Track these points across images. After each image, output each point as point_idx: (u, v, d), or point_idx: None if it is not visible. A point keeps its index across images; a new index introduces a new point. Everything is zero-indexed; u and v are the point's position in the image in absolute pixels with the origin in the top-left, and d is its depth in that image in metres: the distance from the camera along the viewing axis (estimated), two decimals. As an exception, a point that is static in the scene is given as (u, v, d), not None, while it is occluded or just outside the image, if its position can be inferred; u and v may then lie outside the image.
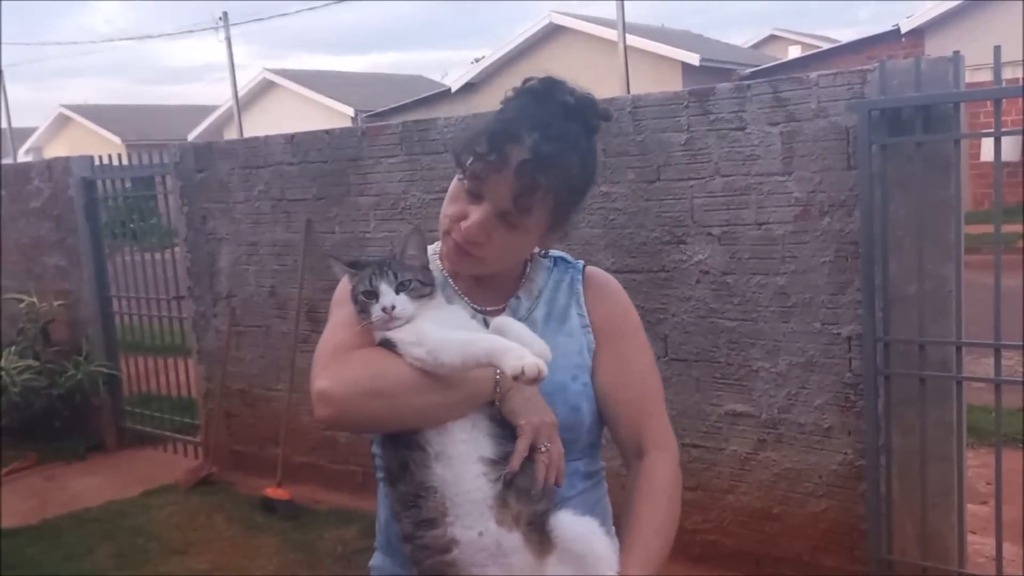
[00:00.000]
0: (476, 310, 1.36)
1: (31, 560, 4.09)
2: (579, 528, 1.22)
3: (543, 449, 1.22)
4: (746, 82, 3.26)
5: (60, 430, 5.70)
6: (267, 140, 4.76)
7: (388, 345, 1.23)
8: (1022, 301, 3.75)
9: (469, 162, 1.27)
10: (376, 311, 1.23)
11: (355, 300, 1.27)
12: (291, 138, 4.63)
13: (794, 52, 20.34)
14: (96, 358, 5.70)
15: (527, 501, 1.20)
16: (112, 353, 5.87)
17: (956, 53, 2.87)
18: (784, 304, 3.21)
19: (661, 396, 1.43)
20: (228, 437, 5.19)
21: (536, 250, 1.41)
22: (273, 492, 4.50)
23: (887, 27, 16.02)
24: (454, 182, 1.31)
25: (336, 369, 1.22)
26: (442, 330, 1.22)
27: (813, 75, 3.12)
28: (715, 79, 15.11)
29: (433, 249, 1.42)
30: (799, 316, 3.19)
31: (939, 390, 2.94)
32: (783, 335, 3.23)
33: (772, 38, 26.44)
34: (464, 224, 1.27)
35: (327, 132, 4.56)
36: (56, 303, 5.77)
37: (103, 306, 5.84)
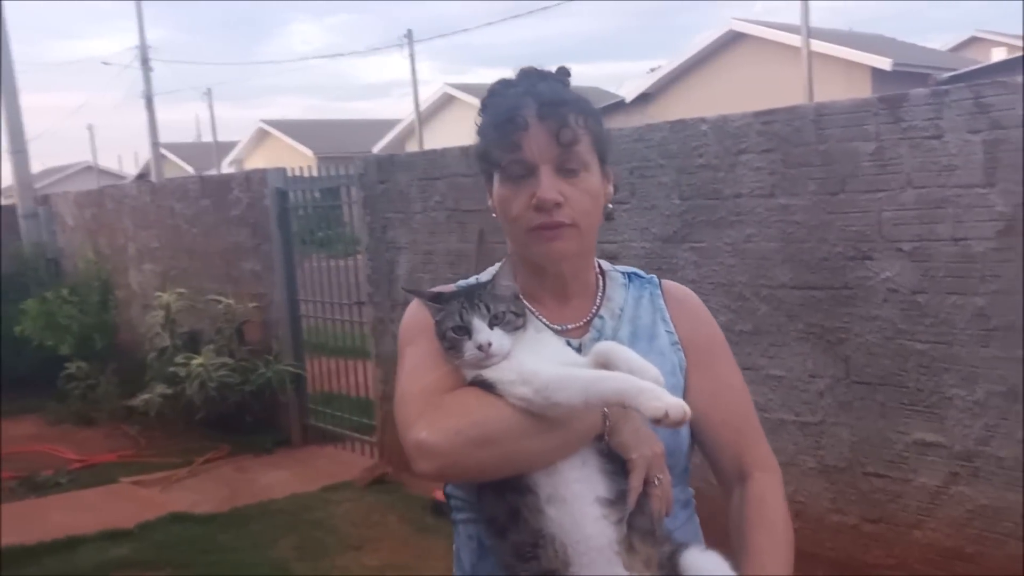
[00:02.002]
0: (555, 330, 1.28)
1: (223, 546, 4.40)
2: (710, 566, 1.14)
3: (656, 482, 1.15)
4: (943, 87, 3.04)
5: (250, 424, 6.11)
6: (444, 152, 4.91)
7: (483, 385, 1.13)
8: None
9: (497, 153, 1.24)
10: (469, 349, 1.13)
11: (442, 337, 1.17)
12: (466, 150, 4.75)
13: (998, 55, 18.84)
14: (284, 358, 6.08)
15: (653, 543, 1.13)
16: (299, 353, 6.24)
17: None
18: (984, 327, 2.96)
19: (756, 414, 1.36)
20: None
21: (606, 208, 1.31)
22: (443, 495, 4.60)
23: (1110, 24, 14.55)
24: (496, 188, 1.27)
25: (433, 417, 1.11)
26: (549, 366, 1.12)
27: (1020, 79, 2.87)
28: (908, 85, 14.22)
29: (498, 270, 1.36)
30: (1001, 341, 2.93)
31: None
32: (981, 361, 2.98)
33: (973, 40, 24.65)
34: (536, 198, 1.20)
35: (502, 144, 4.63)
36: (251, 305, 6.20)
37: (292, 309, 6.22)
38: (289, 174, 6.16)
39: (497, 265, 1.32)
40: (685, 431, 1.28)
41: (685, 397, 1.27)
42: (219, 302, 6.21)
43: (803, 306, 3.36)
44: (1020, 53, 16.39)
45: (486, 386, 1.13)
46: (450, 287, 1.31)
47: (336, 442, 6.03)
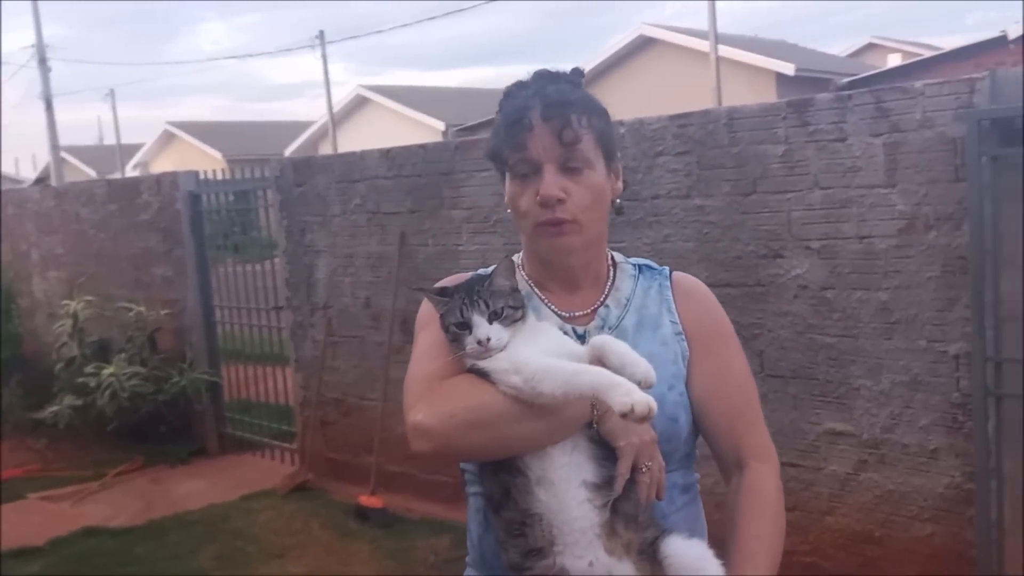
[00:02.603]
0: (563, 318, 1.34)
1: (139, 559, 4.27)
2: (690, 553, 1.18)
3: (644, 469, 1.20)
4: (846, 92, 3.19)
5: (165, 434, 5.94)
6: (363, 155, 4.88)
7: (481, 373, 1.20)
8: None
9: (506, 152, 1.29)
10: (470, 343, 1.20)
11: (446, 330, 1.24)
12: (386, 152, 4.74)
13: (894, 60, 19.71)
14: (199, 365, 5.94)
15: (635, 528, 1.18)
16: (214, 361, 6.09)
17: (1074, 59, 2.75)
18: (887, 320, 3.11)
19: (758, 404, 1.39)
20: (323, 445, 5.31)
21: (613, 203, 1.37)
22: (367, 500, 4.59)
23: (995, 33, 15.37)
24: (508, 187, 1.32)
25: (430, 401, 1.20)
26: (540, 357, 1.18)
27: (918, 84, 3.03)
28: (811, 89, 14.75)
29: (515, 260, 1.41)
30: (903, 333, 3.09)
31: (1055, 412, 2.81)
32: (886, 352, 3.13)
33: (871, 46, 25.70)
34: (540, 195, 1.26)
35: (421, 147, 4.65)
36: (163, 312, 6.02)
37: (206, 315, 6.07)
38: (202, 177, 6.02)
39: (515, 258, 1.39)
40: (683, 418, 1.32)
41: (688, 385, 1.34)
42: (130, 309, 6.01)
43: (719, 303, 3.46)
44: (915, 59, 17.20)
45: (483, 374, 1.20)
46: (464, 276, 1.36)
47: (255, 450, 5.92)
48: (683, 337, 1.36)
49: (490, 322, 1.20)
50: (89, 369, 5.79)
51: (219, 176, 5.98)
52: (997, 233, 2.83)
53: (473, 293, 1.22)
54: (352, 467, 5.09)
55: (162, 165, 27.53)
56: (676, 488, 1.32)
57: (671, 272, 1.43)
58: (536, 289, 1.37)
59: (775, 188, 3.30)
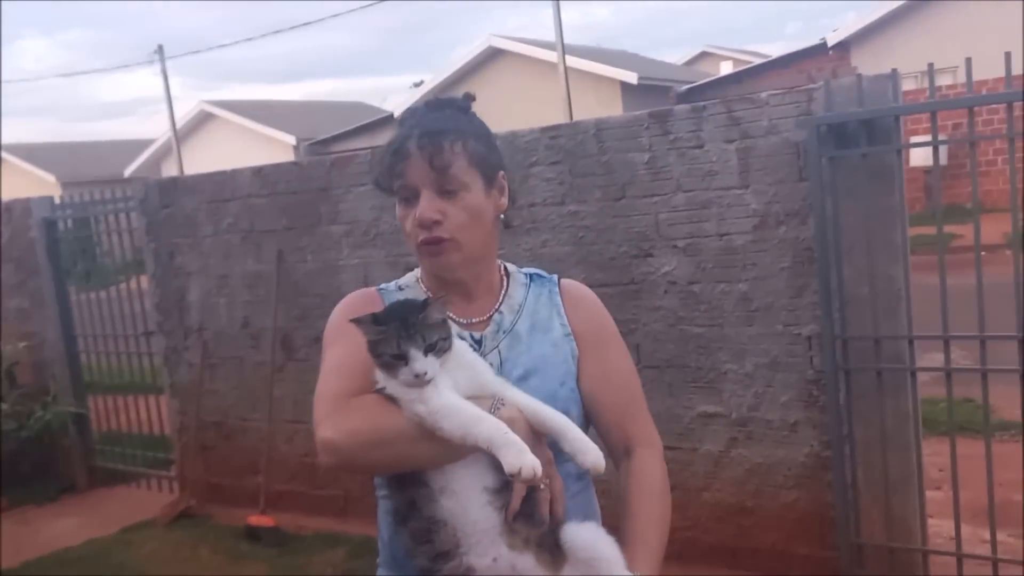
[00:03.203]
0: (461, 324, 1.44)
1: (19, 602, 4.09)
2: (585, 535, 1.30)
3: (542, 486, 1.27)
4: (701, 103, 3.48)
5: (30, 473, 5.66)
6: (234, 174, 4.84)
7: (389, 396, 1.26)
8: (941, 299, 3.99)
9: (389, 178, 1.40)
10: (406, 374, 1.24)
11: (378, 357, 1.27)
12: (258, 171, 4.73)
13: (726, 68, 20.95)
14: (63, 399, 5.69)
15: (532, 524, 1.27)
16: (79, 392, 5.85)
17: (894, 71, 3.12)
18: (747, 309, 3.42)
19: (642, 396, 1.54)
20: (204, 470, 5.21)
21: (499, 218, 1.47)
22: (257, 520, 4.55)
23: (813, 41, 16.64)
24: (397, 211, 1.42)
25: (338, 418, 1.27)
26: (447, 393, 1.24)
27: (763, 95, 3.35)
28: (653, 96, 15.50)
29: (415, 275, 1.53)
30: (762, 319, 3.40)
31: (895, 382, 3.17)
32: (748, 338, 3.43)
33: (704, 55, 27.19)
34: (417, 217, 1.36)
35: (295, 164, 4.68)
36: (21, 345, 5.74)
37: (68, 346, 5.83)
38: (56, 201, 5.78)
39: (414, 273, 1.52)
40: (574, 411, 1.44)
41: (578, 381, 1.47)
42: (-17, 345, 5.71)
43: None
44: (745, 66, 18.31)
45: (391, 397, 1.27)
46: (370, 293, 1.47)
47: (129, 482, 5.71)
48: (572, 338, 1.49)
49: (425, 355, 1.24)
50: (-59, 410, 5.45)
51: (67, 200, 5.74)
52: (838, 226, 3.17)
53: (408, 326, 1.25)
54: (236, 490, 5.03)
55: (-11, 191, 25.69)
56: (570, 477, 1.40)
57: (559, 279, 1.57)
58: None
59: (642, 193, 3.56)
